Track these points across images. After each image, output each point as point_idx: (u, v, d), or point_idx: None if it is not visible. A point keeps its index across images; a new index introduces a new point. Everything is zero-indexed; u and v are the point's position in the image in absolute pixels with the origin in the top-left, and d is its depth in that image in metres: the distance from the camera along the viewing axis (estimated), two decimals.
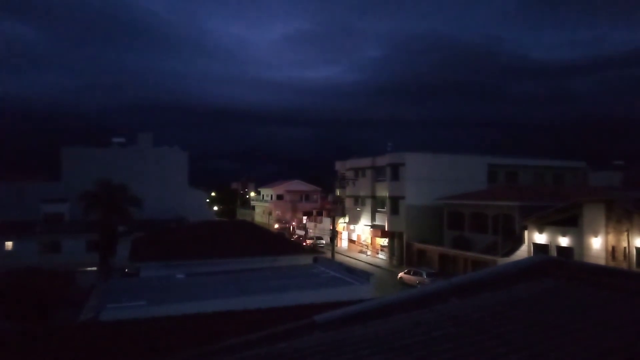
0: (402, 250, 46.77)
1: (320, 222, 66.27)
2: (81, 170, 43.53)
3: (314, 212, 73.02)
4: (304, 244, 52.55)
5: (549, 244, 34.08)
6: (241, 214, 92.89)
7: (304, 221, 72.65)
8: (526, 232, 35.84)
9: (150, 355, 6.66)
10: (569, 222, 32.78)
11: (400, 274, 39.06)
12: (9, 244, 36.18)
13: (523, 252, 34.96)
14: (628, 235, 29.26)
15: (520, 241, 36.21)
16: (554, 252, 32.56)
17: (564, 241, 33.18)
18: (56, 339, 7.99)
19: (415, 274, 37.46)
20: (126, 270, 24.54)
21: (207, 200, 60.38)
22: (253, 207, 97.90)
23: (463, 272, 35.90)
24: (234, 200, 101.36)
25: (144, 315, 11.53)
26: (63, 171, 47.44)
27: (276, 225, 75.13)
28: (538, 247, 34.53)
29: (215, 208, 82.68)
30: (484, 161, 49.69)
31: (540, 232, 34.81)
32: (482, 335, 3.45)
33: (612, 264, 29.12)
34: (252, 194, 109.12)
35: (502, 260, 33.72)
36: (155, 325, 8.07)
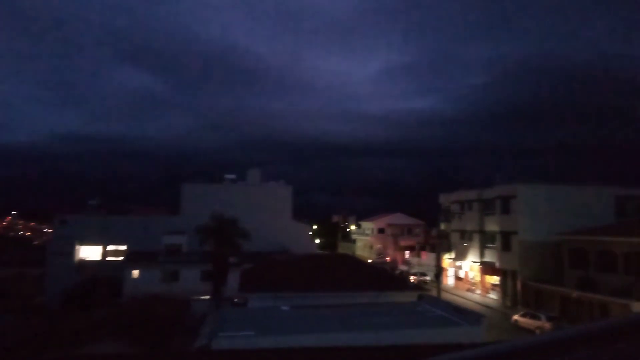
0: (515, 290, 43.24)
1: (424, 257, 63.97)
2: (197, 205, 47.20)
3: (417, 247, 70.78)
4: (408, 280, 50.94)
5: None
6: (342, 247, 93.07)
7: (407, 256, 70.68)
8: None
9: None
10: None
11: (515, 317, 35.97)
12: (135, 272, 39.98)
13: None
14: None
15: None
16: None
17: None
18: None
19: (532, 317, 34.26)
20: (235, 300, 25.70)
21: (310, 233, 61.63)
22: (354, 241, 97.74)
23: (589, 318, 32.03)
24: (335, 234, 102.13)
25: (252, 345, 11.91)
26: (182, 205, 51.79)
27: (373, 260, 73.93)
28: None
29: (317, 241, 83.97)
30: (610, 192, 44.70)
31: None
32: None
33: None
34: (353, 227, 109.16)
35: (638, 305, 29.64)
36: (264, 357, 8.24)
